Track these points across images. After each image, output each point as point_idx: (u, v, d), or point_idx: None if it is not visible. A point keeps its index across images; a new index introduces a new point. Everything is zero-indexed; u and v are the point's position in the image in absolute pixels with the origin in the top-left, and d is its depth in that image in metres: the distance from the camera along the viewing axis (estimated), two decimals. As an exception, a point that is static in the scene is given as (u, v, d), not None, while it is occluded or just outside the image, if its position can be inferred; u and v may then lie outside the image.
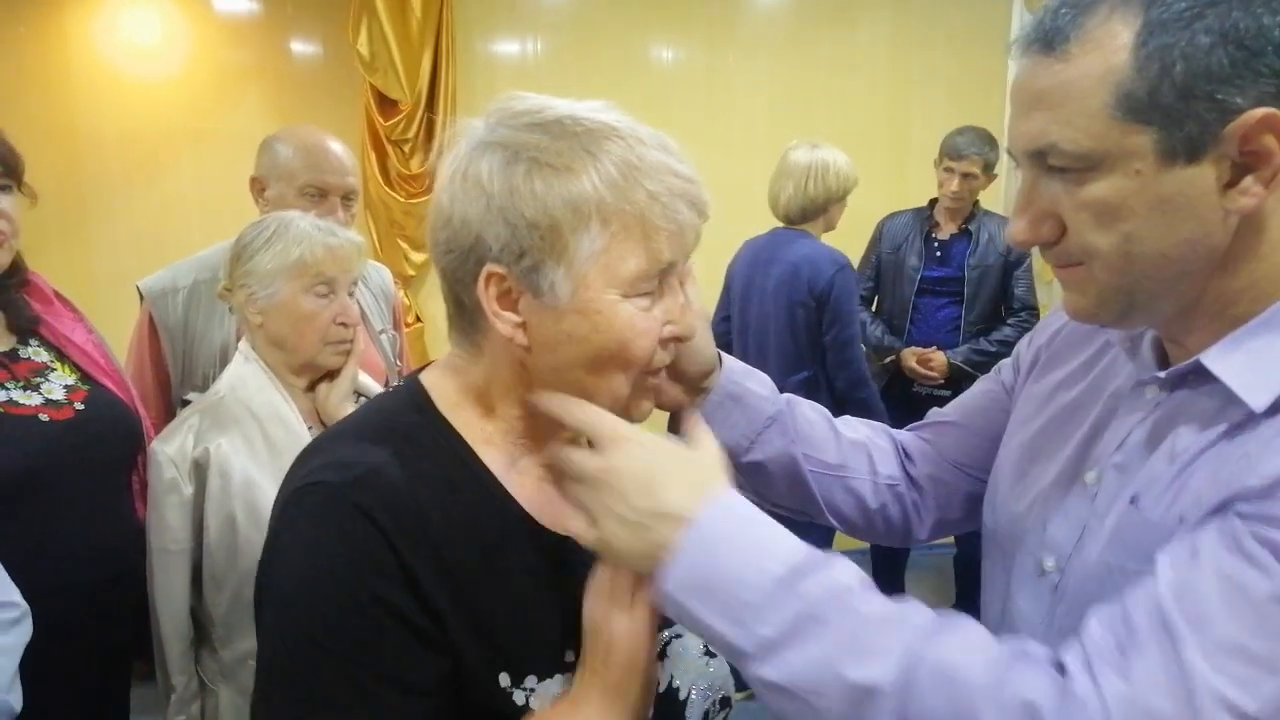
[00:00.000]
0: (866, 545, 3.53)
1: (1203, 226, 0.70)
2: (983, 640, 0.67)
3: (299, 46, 3.66)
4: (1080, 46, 0.70)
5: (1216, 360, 0.73)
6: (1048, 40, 0.71)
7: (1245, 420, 0.71)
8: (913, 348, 3.17)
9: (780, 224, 2.86)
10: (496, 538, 0.78)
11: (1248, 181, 0.69)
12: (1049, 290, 3.35)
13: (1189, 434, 0.75)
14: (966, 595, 3.34)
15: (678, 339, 0.81)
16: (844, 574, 0.69)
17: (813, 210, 2.78)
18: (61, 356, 1.57)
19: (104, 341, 1.67)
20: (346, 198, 1.97)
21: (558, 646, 0.80)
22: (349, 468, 0.73)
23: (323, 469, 0.74)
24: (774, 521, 0.72)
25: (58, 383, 1.53)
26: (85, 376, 1.57)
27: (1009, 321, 3.10)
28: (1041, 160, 0.74)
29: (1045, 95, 0.72)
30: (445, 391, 0.83)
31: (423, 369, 0.87)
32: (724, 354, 0.99)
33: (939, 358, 3.09)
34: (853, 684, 0.65)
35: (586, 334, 0.74)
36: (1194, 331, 0.77)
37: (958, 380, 3.10)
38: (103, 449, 1.55)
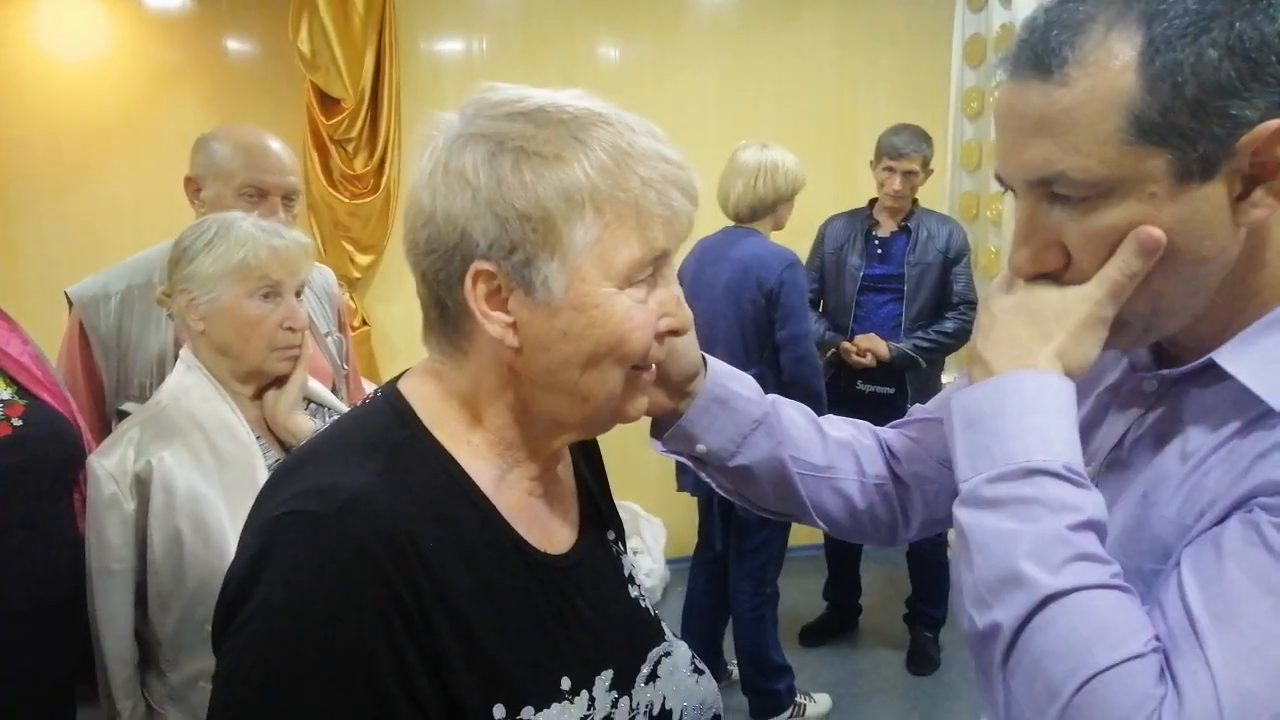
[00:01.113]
0: (820, 539, 3.55)
1: (1218, 242, 0.70)
2: (1140, 621, 0.65)
3: (234, 44, 3.56)
4: (1080, 69, 0.67)
5: (1231, 359, 0.72)
6: (1042, 64, 0.69)
7: (1260, 418, 0.70)
8: (852, 340, 3.20)
9: (730, 223, 2.86)
10: (489, 562, 0.75)
11: (1258, 194, 0.68)
12: (991, 286, 3.40)
13: (1200, 432, 0.74)
14: (920, 590, 3.38)
15: (673, 332, 0.79)
16: (1086, 501, 0.68)
17: (761, 209, 2.79)
18: None
19: (41, 353, 1.56)
20: (287, 198, 1.90)
21: (554, 673, 0.76)
22: (332, 495, 0.68)
23: (303, 495, 0.69)
24: (1068, 418, 0.72)
25: None
26: (21, 390, 1.47)
27: (948, 315, 3.15)
28: (1044, 189, 0.72)
29: (1048, 122, 0.69)
30: (428, 402, 0.78)
31: (400, 377, 0.82)
32: (708, 356, 0.97)
33: (877, 344, 3.12)
34: (1017, 571, 0.66)
35: (582, 330, 0.71)
36: (1202, 330, 0.76)
37: (900, 373, 3.15)
38: (43, 467, 1.45)
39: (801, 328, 2.74)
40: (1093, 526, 0.68)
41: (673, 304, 0.78)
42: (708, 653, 3.10)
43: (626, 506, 3.92)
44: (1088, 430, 0.85)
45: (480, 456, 0.78)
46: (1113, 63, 0.66)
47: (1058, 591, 0.64)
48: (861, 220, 3.28)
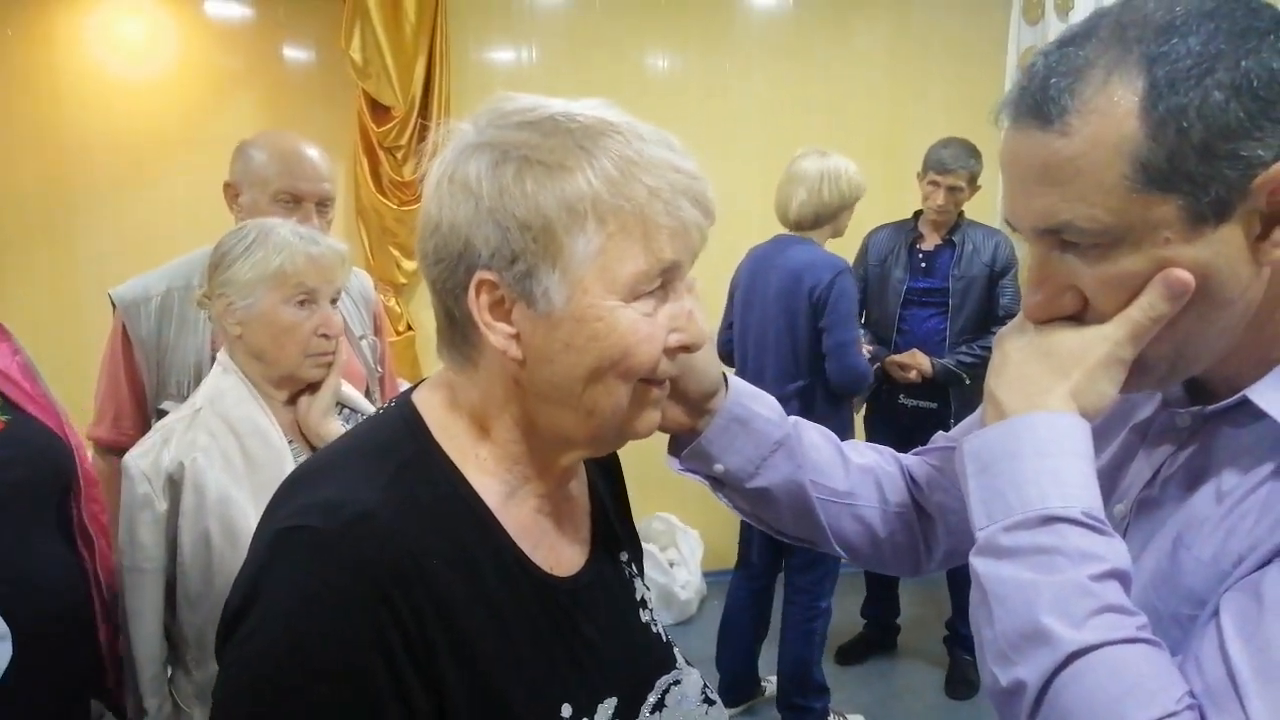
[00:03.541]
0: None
1: (1239, 284, 0.67)
2: (1171, 676, 0.63)
3: (291, 52, 3.63)
4: (1082, 118, 0.65)
5: (1266, 396, 0.70)
6: (1042, 112, 0.67)
7: None
8: (895, 355, 3.15)
9: (786, 231, 2.82)
10: (494, 582, 0.73)
11: (1278, 233, 0.65)
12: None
13: (1236, 471, 0.71)
14: (961, 610, 3.30)
15: (685, 348, 0.76)
16: (1107, 550, 0.66)
17: (825, 216, 2.75)
18: None
19: (30, 363, 1.50)
20: (321, 204, 1.92)
21: (554, 700, 0.75)
22: (337, 511, 0.68)
23: (309, 510, 0.68)
24: (1084, 459, 0.70)
25: None
26: (6, 404, 1.39)
27: (994, 330, 3.08)
28: (1054, 236, 0.70)
29: (1051, 172, 0.67)
30: (438, 413, 0.78)
31: (415, 387, 0.82)
32: (729, 374, 0.95)
33: (920, 359, 3.07)
34: (1040, 626, 0.64)
35: (585, 343, 0.70)
36: (1232, 369, 0.73)
37: (944, 389, 3.09)
38: (26, 484, 1.36)
39: (849, 335, 2.70)
40: (1116, 576, 0.65)
41: (684, 318, 0.75)
42: (744, 668, 3.06)
43: (663, 518, 3.90)
44: (1118, 467, 0.82)
45: (488, 472, 0.77)
46: (1114, 110, 0.64)
47: (1084, 647, 0.62)
48: (906, 233, 3.23)
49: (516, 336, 0.71)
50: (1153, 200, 0.65)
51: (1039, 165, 0.68)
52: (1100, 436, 0.85)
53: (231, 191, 1.94)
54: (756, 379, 2.70)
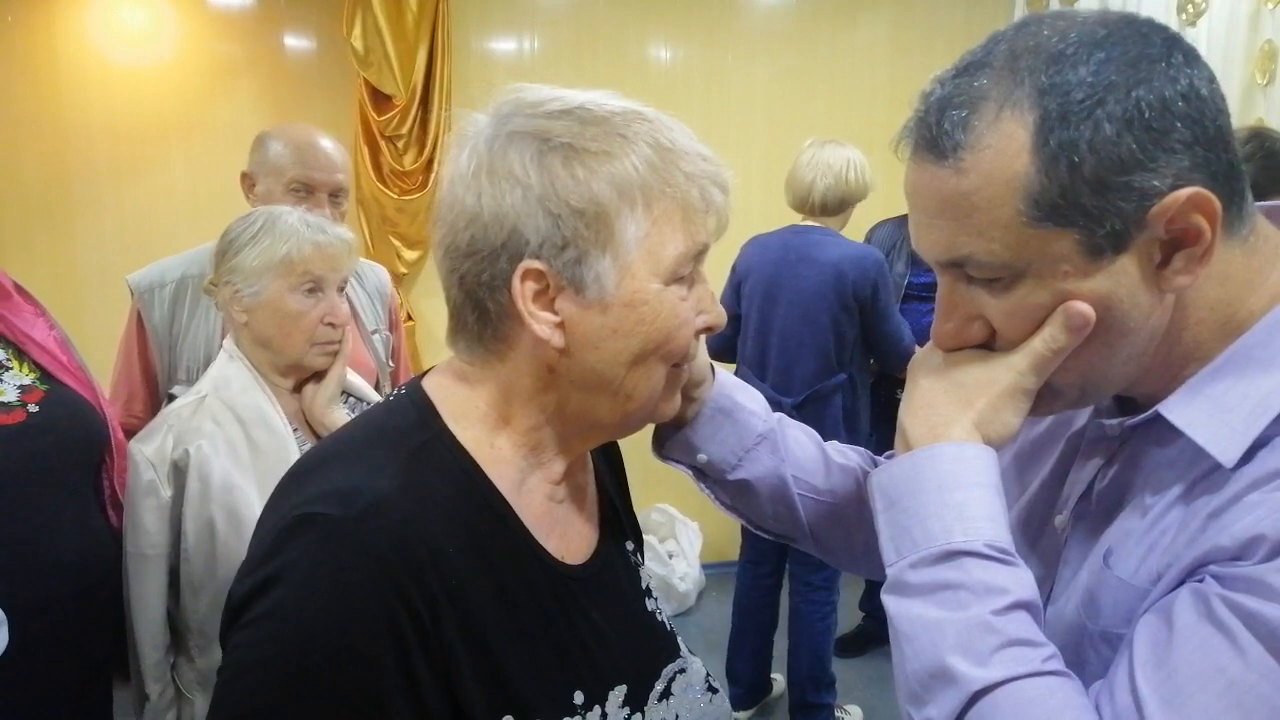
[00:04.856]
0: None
1: (1142, 312, 0.67)
2: (1078, 707, 0.62)
3: (292, 40, 3.61)
4: (975, 154, 0.65)
5: (1177, 411, 0.69)
6: (937, 146, 0.66)
7: (1211, 471, 0.67)
8: None
9: (803, 219, 2.78)
10: (506, 570, 0.74)
11: (1178, 261, 0.65)
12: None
13: (1156, 486, 0.71)
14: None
15: (709, 329, 0.79)
16: (1011, 582, 0.65)
17: (849, 201, 2.73)
18: (20, 354, 1.45)
19: (68, 337, 1.56)
20: (334, 195, 1.94)
21: (566, 687, 0.75)
22: (352, 499, 0.67)
23: (322, 498, 0.68)
24: (989, 490, 0.69)
25: (11, 383, 1.41)
26: (45, 375, 1.45)
27: None
28: (957, 269, 0.70)
29: (949, 207, 0.67)
30: (452, 403, 0.77)
31: (424, 375, 0.81)
32: (715, 365, 0.95)
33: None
34: (945, 666, 0.63)
35: (633, 327, 0.71)
36: (1149, 387, 0.73)
37: None
38: (62, 454, 1.42)
39: (895, 323, 2.75)
40: (1023, 606, 0.65)
41: (708, 300, 0.78)
42: (758, 665, 3.04)
43: (662, 509, 3.91)
44: (1059, 477, 0.82)
45: (503, 460, 0.77)
46: (1007, 145, 0.64)
47: (988, 685, 0.62)
48: (907, 227, 3.22)
49: (560, 325, 0.71)
50: (1049, 234, 0.64)
51: (938, 199, 0.67)
52: (1045, 445, 0.86)
53: (248, 181, 1.97)
54: (783, 375, 2.73)
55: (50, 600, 1.34)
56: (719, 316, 0.79)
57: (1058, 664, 0.64)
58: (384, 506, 0.67)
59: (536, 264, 0.69)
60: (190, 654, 1.46)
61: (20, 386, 1.41)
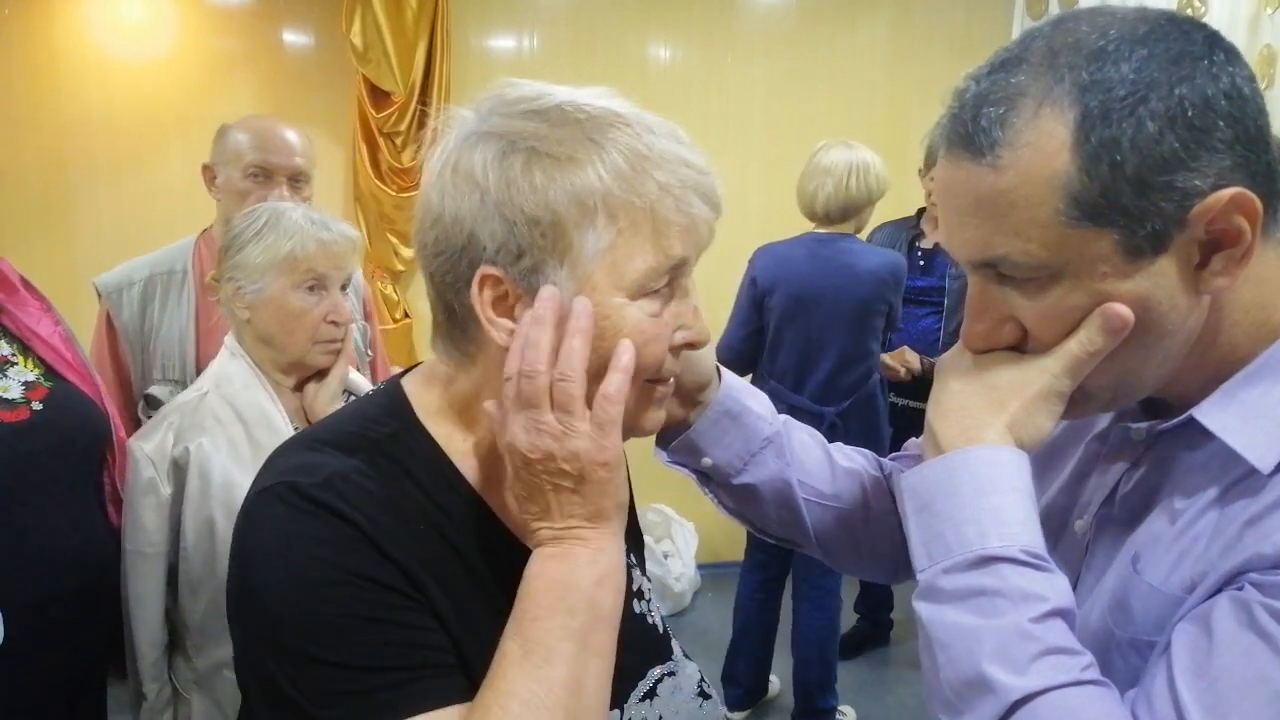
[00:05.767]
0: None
1: (1180, 314, 0.66)
2: (1117, 718, 0.61)
3: (291, 36, 3.60)
4: (1013, 151, 0.63)
5: (1211, 415, 0.68)
6: (973, 144, 0.65)
7: (1246, 476, 0.66)
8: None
9: (814, 226, 2.75)
10: (479, 554, 0.73)
11: (1217, 262, 0.64)
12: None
13: (1188, 490, 0.70)
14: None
15: (690, 345, 0.76)
16: (1049, 589, 0.64)
17: (853, 209, 2.69)
18: (25, 350, 1.43)
19: (73, 334, 1.54)
20: (294, 179, 1.91)
21: None
22: (316, 470, 0.68)
23: (288, 471, 0.69)
24: (1023, 494, 0.68)
25: (16, 379, 1.39)
26: (49, 372, 1.44)
27: None
28: (991, 269, 0.69)
29: (984, 205, 0.66)
30: (427, 399, 0.78)
31: (405, 372, 0.82)
32: (722, 368, 0.94)
33: (910, 357, 3.05)
34: (982, 674, 0.62)
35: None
36: (1181, 390, 0.72)
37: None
38: (65, 452, 1.40)
39: (897, 328, 2.87)
40: (1060, 614, 0.64)
41: (689, 316, 0.74)
42: (758, 668, 3.02)
43: (659, 510, 3.90)
44: (1079, 480, 0.82)
45: (475, 456, 0.77)
46: (1046, 143, 0.62)
47: (1028, 694, 0.61)
48: (907, 230, 3.22)
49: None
50: (1088, 234, 0.63)
51: (972, 198, 0.66)
52: (1063, 447, 0.85)
53: (209, 174, 1.96)
54: (826, 386, 2.73)
55: (48, 597, 1.33)
56: (701, 333, 0.76)
57: (1095, 672, 0.63)
58: (347, 478, 0.68)
59: (494, 270, 0.68)
60: (188, 653, 1.45)
61: (25, 383, 1.40)
